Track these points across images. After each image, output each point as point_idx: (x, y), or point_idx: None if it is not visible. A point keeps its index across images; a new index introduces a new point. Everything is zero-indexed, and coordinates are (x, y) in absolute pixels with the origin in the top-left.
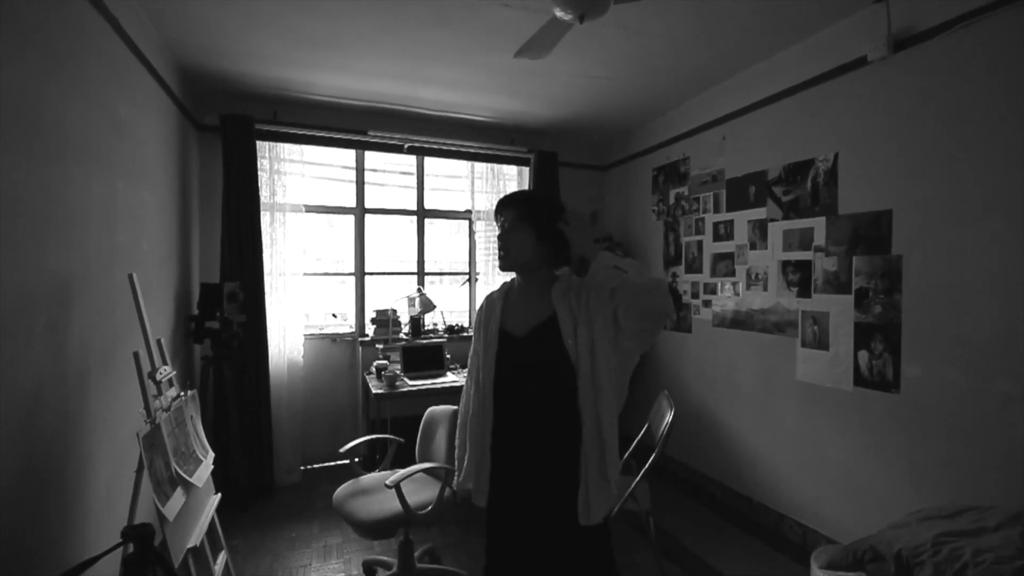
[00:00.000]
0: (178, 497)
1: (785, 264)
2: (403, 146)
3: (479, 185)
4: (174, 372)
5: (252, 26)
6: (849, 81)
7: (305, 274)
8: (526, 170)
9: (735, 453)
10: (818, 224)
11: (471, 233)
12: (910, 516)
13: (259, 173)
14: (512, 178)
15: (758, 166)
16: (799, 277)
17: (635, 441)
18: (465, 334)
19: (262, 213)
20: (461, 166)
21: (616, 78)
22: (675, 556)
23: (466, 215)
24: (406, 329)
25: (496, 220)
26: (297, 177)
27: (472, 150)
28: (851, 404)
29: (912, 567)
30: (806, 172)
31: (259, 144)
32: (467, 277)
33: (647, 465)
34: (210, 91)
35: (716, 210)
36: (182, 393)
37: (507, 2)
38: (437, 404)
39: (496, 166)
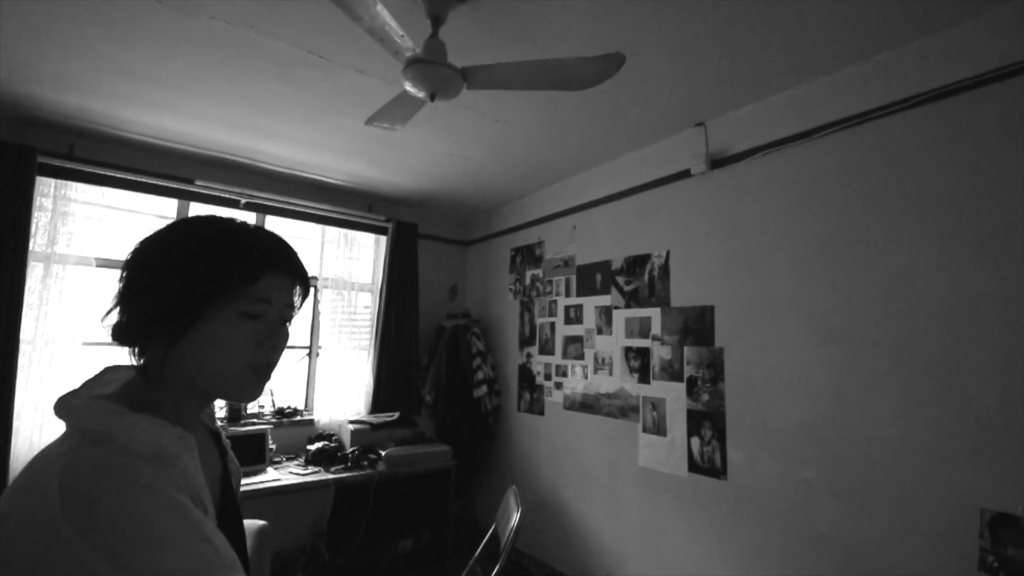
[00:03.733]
0: None
1: (628, 350)
2: (239, 201)
3: (330, 250)
4: None
5: (37, 40)
6: (677, 188)
7: (85, 344)
8: (383, 239)
9: (583, 542)
10: (654, 314)
11: (315, 302)
12: None
13: (34, 214)
14: (368, 246)
15: (604, 256)
16: (640, 363)
17: (481, 545)
18: (299, 418)
19: (31, 265)
20: (310, 228)
21: (476, 159)
22: None
23: (312, 281)
24: (221, 413)
25: (288, 296)
26: (93, 223)
27: (323, 213)
28: (687, 490)
29: None
30: (644, 265)
31: (43, 180)
32: (307, 351)
33: (493, 574)
34: None
35: (567, 294)
36: None
37: (361, 69)
38: (252, 510)
39: (350, 232)
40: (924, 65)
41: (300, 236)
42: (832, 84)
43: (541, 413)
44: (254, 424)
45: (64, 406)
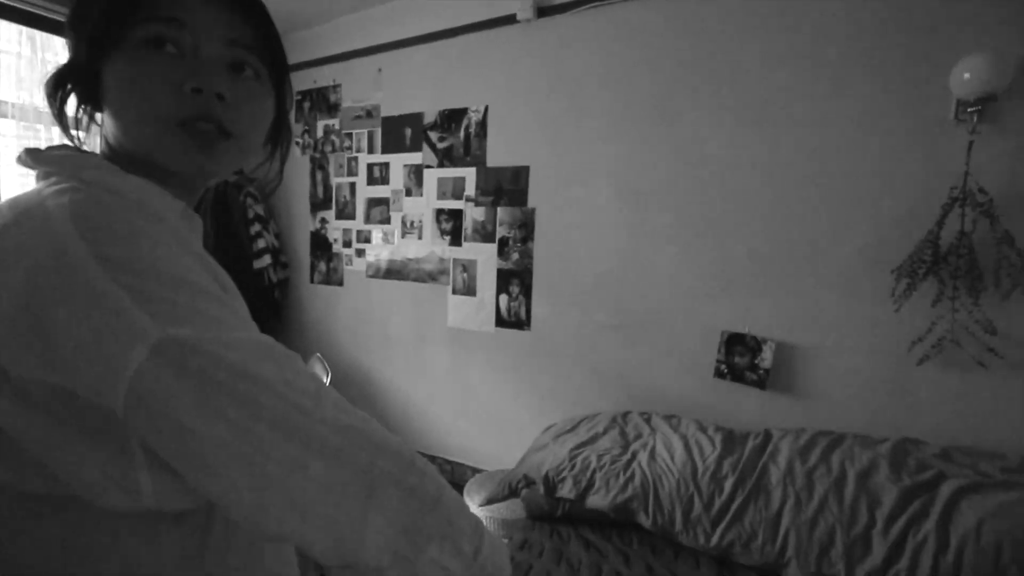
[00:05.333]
0: None
1: (439, 212)
2: None
3: (9, 63)
4: None
5: None
6: (501, 35)
7: None
8: None
9: (390, 409)
10: (469, 174)
11: None
12: (545, 435)
13: None
14: None
15: (415, 107)
16: (451, 226)
17: None
18: None
19: None
20: None
21: None
22: None
23: None
24: None
25: (218, 26)
26: None
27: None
28: (494, 344)
29: (557, 484)
30: (460, 121)
31: None
32: None
33: None
34: None
35: (371, 150)
36: None
37: None
38: None
39: (46, 37)
40: None
41: None
42: None
43: (340, 284)
44: None
45: (39, 155)
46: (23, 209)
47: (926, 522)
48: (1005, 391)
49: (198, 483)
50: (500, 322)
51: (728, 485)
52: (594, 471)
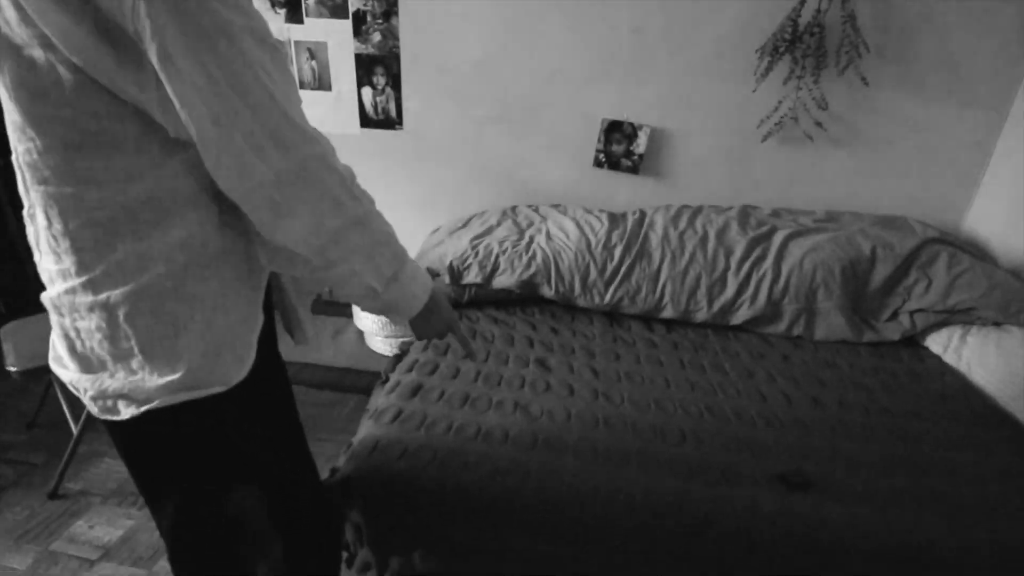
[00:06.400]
0: None
1: None
2: None
3: None
4: None
5: None
6: None
7: None
8: None
9: None
10: None
11: None
12: (435, 236)
13: None
14: None
15: None
16: None
17: None
18: None
19: None
20: None
21: None
22: None
23: None
24: None
25: None
26: None
27: None
28: (360, 147)
29: (462, 272)
30: None
31: None
32: None
33: None
34: None
35: None
36: None
37: None
38: None
39: None
40: None
41: None
42: None
43: None
44: None
45: None
46: None
47: (765, 262)
48: (821, 160)
49: (183, 113)
50: (366, 121)
51: (617, 252)
52: (497, 256)
